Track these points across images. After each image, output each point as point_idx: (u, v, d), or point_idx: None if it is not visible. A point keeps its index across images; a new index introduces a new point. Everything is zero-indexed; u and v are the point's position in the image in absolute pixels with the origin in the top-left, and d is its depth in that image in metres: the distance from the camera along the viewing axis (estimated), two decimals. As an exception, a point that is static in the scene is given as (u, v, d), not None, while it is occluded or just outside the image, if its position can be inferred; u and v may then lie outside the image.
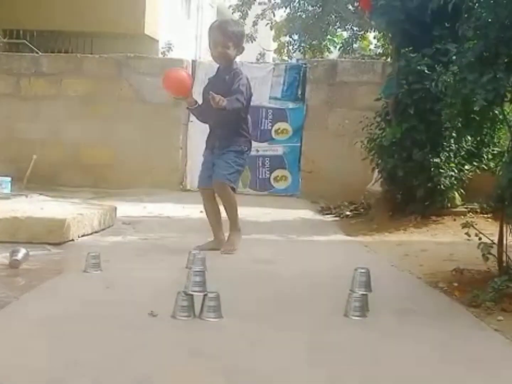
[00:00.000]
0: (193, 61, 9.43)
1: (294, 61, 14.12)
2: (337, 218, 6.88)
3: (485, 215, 5.72)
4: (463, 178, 6.02)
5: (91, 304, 3.02)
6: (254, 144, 7.94)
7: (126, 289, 3.35)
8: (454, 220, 5.72)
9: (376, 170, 6.45)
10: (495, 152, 6.24)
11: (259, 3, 13.87)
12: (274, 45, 17.00)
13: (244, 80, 4.50)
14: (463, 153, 6.05)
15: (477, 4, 3.90)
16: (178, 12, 17.99)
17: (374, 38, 14.86)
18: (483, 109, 3.60)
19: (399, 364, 2.39)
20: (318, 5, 13.04)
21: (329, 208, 7.44)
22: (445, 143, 5.85)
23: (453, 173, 5.86)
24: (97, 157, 8.98)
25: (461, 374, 2.32)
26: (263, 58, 15.42)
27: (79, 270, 3.70)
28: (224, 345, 2.51)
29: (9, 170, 7.48)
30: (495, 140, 6.24)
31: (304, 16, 13.49)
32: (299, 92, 8.98)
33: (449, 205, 6.01)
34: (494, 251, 3.46)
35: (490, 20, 3.47)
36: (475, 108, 3.51)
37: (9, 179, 6.65)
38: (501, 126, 5.56)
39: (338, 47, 14.49)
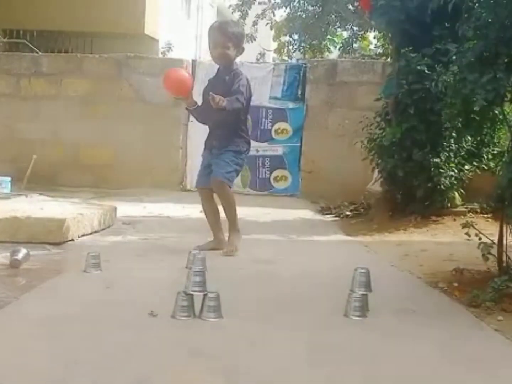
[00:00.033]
0: (193, 61, 9.43)
1: (294, 61, 14.14)
2: (337, 218, 6.88)
3: (485, 215, 5.73)
4: (463, 178, 6.02)
5: (91, 304, 3.02)
6: (254, 144, 7.98)
7: (126, 289, 3.35)
8: (454, 220, 5.72)
9: (376, 170, 6.45)
10: (495, 152, 6.23)
11: (259, 3, 13.89)
12: (274, 45, 17.02)
13: (244, 81, 4.49)
14: (463, 153, 6.05)
15: (477, 4, 3.90)
16: (178, 12, 17.99)
17: (374, 38, 14.87)
18: (483, 109, 3.60)
19: (399, 364, 2.39)
20: (318, 5, 13.05)
21: (329, 208, 7.44)
22: (445, 143, 5.85)
23: (453, 173, 5.86)
24: (97, 157, 8.98)
25: (461, 374, 2.32)
26: (263, 58, 15.43)
27: (79, 270, 3.70)
28: (224, 345, 2.51)
29: (9, 170, 7.48)
30: (495, 140, 6.24)
31: (304, 16, 13.50)
32: (299, 92, 8.98)
33: (449, 205, 6.01)
34: (494, 251, 3.47)
35: (490, 20, 3.47)
36: (475, 108, 3.51)
37: (9, 179, 6.65)
38: (501, 126, 5.55)
39: (338, 47, 14.50)
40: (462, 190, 6.08)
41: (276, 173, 8.97)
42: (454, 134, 5.77)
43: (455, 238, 5.00)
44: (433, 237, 5.34)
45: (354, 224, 6.26)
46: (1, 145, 8.97)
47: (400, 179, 5.92)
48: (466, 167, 6.07)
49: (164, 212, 6.64)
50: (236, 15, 13.56)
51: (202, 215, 4.83)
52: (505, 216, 3.56)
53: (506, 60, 3.50)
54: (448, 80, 4.00)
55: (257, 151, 8.67)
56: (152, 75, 8.64)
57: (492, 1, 3.50)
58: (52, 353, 2.34)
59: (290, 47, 14.66)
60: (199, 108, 4.58)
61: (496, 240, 3.52)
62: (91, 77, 9.07)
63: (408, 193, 5.98)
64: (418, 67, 5.70)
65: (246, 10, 13.30)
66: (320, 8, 13.05)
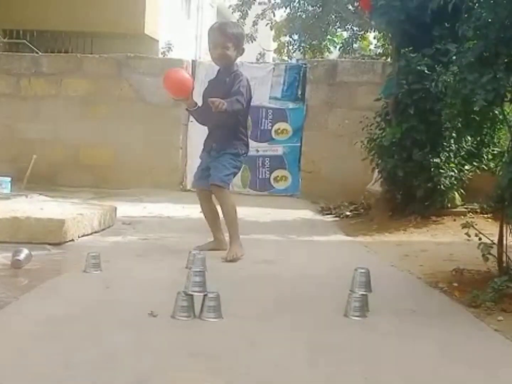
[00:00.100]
0: (193, 61, 9.42)
1: (294, 61, 14.13)
2: (337, 218, 6.88)
3: (485, 215, 5.73)
4: (463, 178, 6.03)
5: (91, 304, 3.02)
6: (254, 144, 7.96)
7: (126, 289, 3.35)
8: (454, 220, 5.73)
9: (376, 170, 6.45)
10: (495, 152, 6.23)
11: (259, 3, 13.88)
12: (274, 45, 17.01)
13: (245, 82, 4.48)
14: (463, 153, 6.05)
15: (477, 4, 3.90)
16: (178, 12, 17.99)
17: (374, 38, 14.86)
18: (483, 109, 3.60)
19: (399, 364, 2.39)
20: (318, 5, 13.04)
21: (329, 208, 7.44)
22: (445, 143, 5.85)
23: (453, 173, 5.86)
24: (97, 157, 8.98)
25: (461, 374, 2.32)
26: (263, 58, 15.42)
27: (79, 270, 3.70)
28: (224, 345, 2.51)
29: (9, 170, 7.50)
30: (495, 140, 6.24)
31: (304, 16, 13.49)
32: (299, 92, 8.97)
33: (449, 205, 6.01)
34: (494, 251, 3.47)
35: (490, 20, 3.48)
36: (475, 108, 3.51)
37: (9, 179, 6.66)
38: (501, 126, 5.55)
39: (338, 47, 14.49)
40: (462, 190, 6.08)
41: (276, 173, 8.97)
42: (454, 134, 5.77)
43: (455, 238, 5.00)
44: (433, 237, 5.34)
45: (354, 224, 6.26)
46: (1, 145, 8.97)
47: (400, 179, 5.92)
48: (466, 167, 6.07)
49: (164, 212, 6.65)
50: (236, 15, 13.56)
51: (202, 215, 4.83)
52: (505, 216, 3.57)
53: (506, 60, 3.50)
54: (448, 80, 4.00)
55: (257, 151, 8.67)
56: (152, 75, 8.64)
57: (492, 1, 3.50)
58: (52, 353, 2.34)
59: (290, 47, 14.64)
60: (199, 109, 4.56)
61: (496, 240, 3.52)
62: (91, 77, 9.07)
63: (408, 193, 5.98)
64: (418, 67, 5.70)
65: (246, 10, 13.29)
66: (320, 8, 13.04)
